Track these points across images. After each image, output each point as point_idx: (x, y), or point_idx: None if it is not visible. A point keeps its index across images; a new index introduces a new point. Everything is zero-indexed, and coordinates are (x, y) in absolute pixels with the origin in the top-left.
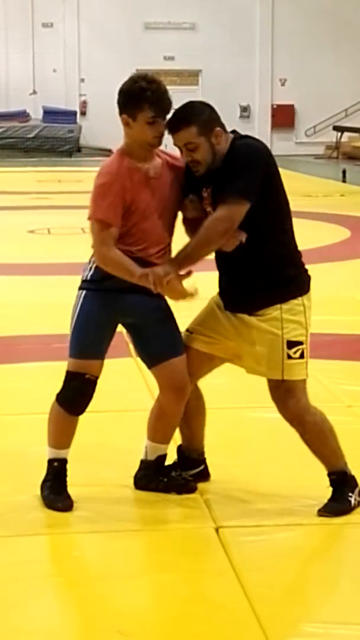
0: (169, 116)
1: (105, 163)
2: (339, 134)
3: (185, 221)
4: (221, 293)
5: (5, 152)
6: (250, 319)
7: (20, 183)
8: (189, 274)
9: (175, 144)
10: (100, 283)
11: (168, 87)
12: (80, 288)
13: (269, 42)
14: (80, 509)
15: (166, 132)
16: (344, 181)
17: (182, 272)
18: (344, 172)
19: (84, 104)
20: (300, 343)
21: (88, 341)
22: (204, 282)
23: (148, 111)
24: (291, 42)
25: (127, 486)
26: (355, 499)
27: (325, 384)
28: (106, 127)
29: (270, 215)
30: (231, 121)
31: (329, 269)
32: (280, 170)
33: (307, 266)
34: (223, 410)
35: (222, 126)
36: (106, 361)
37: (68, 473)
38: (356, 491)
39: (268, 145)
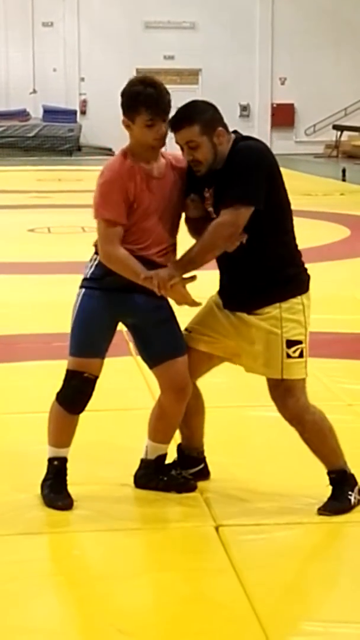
0: (170, 117)
1: (108, 162)
2: (339, 132)
3: (187, 220)
4: (221, 291)
5: (5, 151)
6: (250, 317)
7: (20, 182)
8: (192, 278)
9: (176, 142)
10: (101, 280)
11: (168, 86)
12: (81, 286)
13: (268, 41)
14: (80, 507)
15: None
16: (343, 180)
17: (186, 276)
18: (343, 171)
19: (84, 103)
20: (300, 342)
21: (87, 340)
22: (204, 281)
23: (144, 114)
24: (291, 41)
25: (127, 485)
26: (355, 498)
27: (325, 383)
28: (106, 126)
29: (272, 216)
30: (231, 120)
31: (329, 268)
32: (280, 169)
33: (306, 265)
34: (222, 409)
35: (225, 126)
36: (106, 360)
37: (68, 472)
38: (356, 490)
39: (268, 144)
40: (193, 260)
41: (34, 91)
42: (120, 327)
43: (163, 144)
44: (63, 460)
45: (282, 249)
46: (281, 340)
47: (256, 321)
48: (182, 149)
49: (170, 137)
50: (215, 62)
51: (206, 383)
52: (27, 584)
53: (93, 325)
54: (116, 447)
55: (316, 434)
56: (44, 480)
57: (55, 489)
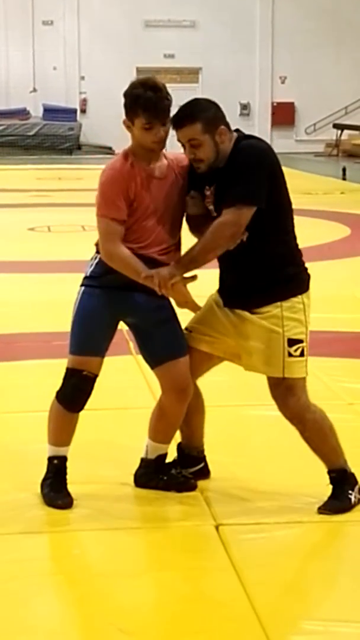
0: (171, 119)
1: (110, 162)
2: (339, 131)
3: (187, 218)
4: (221, 290)
5: (5, 150)
6: (251, 316)
7: (20, 181)
8: (193, 277)
9: (178, 140)
10: (101, 279)
11: (168, 85)
12: (82, 285)
13: (269, 40)
14: (80, 506)
15: (169, 133)
16: (344, 179)
17: (187, 275)
18: (344, 169)
19: (84, 102)
20: (301, 341)
21: (87, 338)
22: (204, 279)
23: (142, 117)
24: (291, 39)
25: (127, 484)
26: (355, 497)
27: (326, 382)
28: (106, 125)
29: (273, 215)
30: (231, 119)
31: (329, 267)
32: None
33: (307, 264)
34: (223, 407)
35: (227, 125)
36: (106, 359)
37: (68, 471)
38: (356, 489)
39: (268, 143)
40: (195, 260)
41: (34, 90)
42: (121, 325)
43: (162, 147)
44: (63, 459)
45: (283, 248)
46: (283, 338)
47: (257, 320)
48: (183, 146)
49: (171, 135)
50: (216, 60)
51: (206, 382)
52: (27, 583)
53: (93, 323)
54: (116, 446)
55: (317, 432)
56: (44, 479)
57: (55, 488)
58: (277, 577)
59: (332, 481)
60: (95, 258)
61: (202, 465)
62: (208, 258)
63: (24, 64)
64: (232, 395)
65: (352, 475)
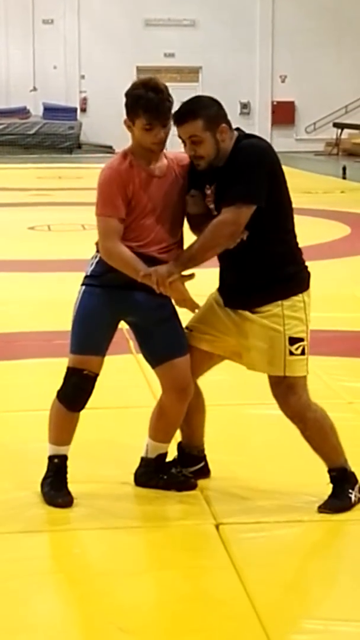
0: (172, 115)
1: (109, 161)
2: (339, 130)
3: (188, 217)
4: (221, 289)
5: (5, 149)
6: (251, 315)
7: (20, 179)
8: (191, 276)
9: (179, 136)
10: (101, 278)
11: (168, 84)
12: (82, 284)
13: (269, 39)
14: (80, 505)
15: (169, 134)
16: (344, 178)
17: (185, 274)
18: (344, 168)
19: (84, 101)
20: (302, 339)
21: (88, 337)
22: (203, 278)
23: (143, 118)
24: (291, 38)
25: (127, 483)
26: (355, 496)
27: (326, 381)
28: (106, 124)
29: (273, 214)
30: (231, 118)
31: (329, 266)
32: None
33: (307, 263)
34: (223, 407)
35: (229, 123)
36: (106, 358)
37: (68, 470)
38: (356, 488)
39: (269, 142)
40: (193, 258)
41: (34, 89)
42: (121, 324)
43: (162, 147)
44: (63, 458)
45: (283, 247)
46: (284, 337)
47: (258, 319)
48: (184, 143)
49: (172, 135)
50: (216, 59)
51: (207, 381)
52: (28, 581)
53: (93, 322)
54: (116, 445)
55: (317, 431)
56: (44, 478)
57: (56, 487)
58: (277, 576)
59: (332, 480)
60: (96, 257)
61: (202, 464)
62: (207, 256)
63: (24, 63)
64: (233, 394)
65: (353, 474)
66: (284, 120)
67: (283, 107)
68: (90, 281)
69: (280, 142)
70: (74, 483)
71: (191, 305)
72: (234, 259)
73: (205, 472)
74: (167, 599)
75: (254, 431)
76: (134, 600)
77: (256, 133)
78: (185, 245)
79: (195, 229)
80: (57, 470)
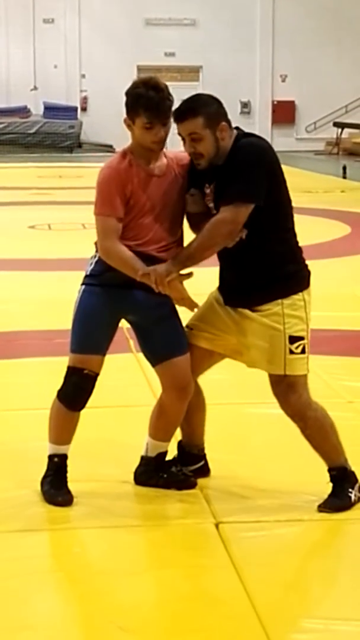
0: (172, 112)
1: (108, 160)
2: (340, 130)
3: (187, 215)
4: (221, 288)
5: (6, 148)
6: (252, 314)
7: (20, 179)
8: (189, 274)
9: (179, 134)
10: (101, 277)
11: (169, 83)
12: (82, 283)
13: (269, 38)
14: (80, 504)
15: (169, 134)
16: (344, 177)
17: (183, 273)
18: (344, 168)
19: (84, 100)
20: (302, 338)
21: (88, 336)
22: (203, 277)
23: (143, 117)
24: (292, 38)
25: (127, 482)
26: (355, 495)
27: (326, 380)
28: (107, 123)
29: (273, 213)
30: (232, 117)
31: (329, 265)
32: (282, 166)
33: (307, 262)
34: (223, 405)
35: (228, 122)
36: (107, 357)
37: (68, 468)
38: (356, 487)
39: (268, 141)
40: (192, 257)
41: (35, 88)
42: (121, 323)
43: (162, 147)
44: (63, 457)
45: (283, 246)
46: (284, 336)
47: (258, 317)
48: (184, 141)
49: (172, 134)
50: (216, 59)
51: (207, 380)
52: (28, 580)
53: (93, 321)
54: (116, 444)
55: (318, 430)
56: (45, 477)
57: (56, 485)
58: (277, 575)
59: (332, 479)
60: (95, 257)
61: (202, 463)
62: (205, 255)
63: (24, 62)
64: (233, 393)
65: (352, 474)
66: (285, 120)
67: (283, 107)
68: (90, 280)
69: (281, 141)
70: (74, 482)
71: (190, 304)
72: (234, 258)
73: (205, 471)
74: (167, 598)
75: (254, 430)
76: (134, 599)
77: (256, 132)
78: (185, 244)
79: (195, 227)
80: (57, 469)
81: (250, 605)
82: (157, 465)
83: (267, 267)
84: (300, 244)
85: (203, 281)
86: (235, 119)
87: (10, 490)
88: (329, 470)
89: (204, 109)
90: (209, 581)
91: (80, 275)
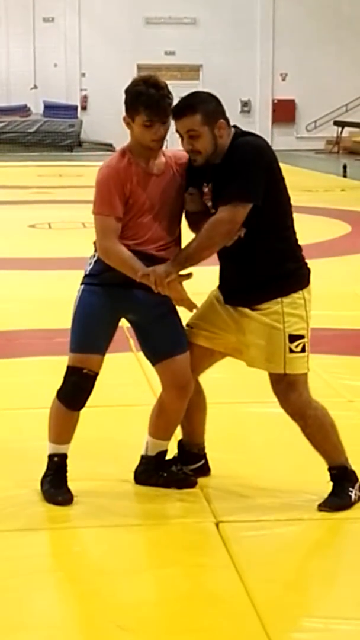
0: (170, 118)
1: (107, 159)
2: (340, 128)
3: (186, 214)
4: (222, 286)
5: (6, 147)
6: (251, 312)
7: (21, 177)
8: (188, 275)
9: (177, 131)
10: (100, 276)
11: (169, 82)
12: (82, 283)
13: (269, 37)
14: (80, 503)
15: (168, 134)
16: (344, 176)
17: (182, 273)
18: (344, 167)
19: (84, 99)
20: (302, 337)
21: (87, 336)
22: (203, 276)
23: (143, 115)
24: (292, 37)
25: (127, 481)
26: (355, 494)
27: (326, 379)
28: (107, 122)
29: (271, 212)
30: (232, 116)
31: (330, 264)
32: (281, 165)
33: (307, 261)
34: (224, 405)
35: (227, 120)
36: (107, 356)
37: (68, 468)
38: (356, 486)
39: (269, 140)
40: (191, 257)
41: (35, 87)
42: (121, 322)
43: (161, 145)
44: (63, 457)
45: (282, 244)
46: (284, 335)
47: (258, 316)
48: (181, 138)
49: (171, 133)
50: (216, 57)
51: (207, 379)
52: (28, 579)
53: (93, 321)
54: (116, 443)
55: (318, 429)
56: (45, 476)
57: (56, 485)
58: (278, 574)
59: (332, 478)
60: (94, 256)
61: (202, 462)
62: (204, 255)
63: (24, 61)
64: (233, 392)
65: (353, 473)
66: (285, 119)
67: (283, 105)
68: (89, 280)
69: (281, 140)
70: (74, 481)
71: (189, 304)
72: (234, 257)
73: (205, 470)
74: (167, 597)
75: (255, 429)
76: (134, 598)
77: (257, 131)
78: (183, 242)
79: (193, 226)
80: (57, 469)
81: (251, 604)
82: (157, 464)
83: (266, 266)
84: (300, 243)
85: (203, 280)
86: (236, 117)
87: (10, 490)
88: (330, 469)
89: (202, 106)
90: (209, 580)
91: (80, 274)
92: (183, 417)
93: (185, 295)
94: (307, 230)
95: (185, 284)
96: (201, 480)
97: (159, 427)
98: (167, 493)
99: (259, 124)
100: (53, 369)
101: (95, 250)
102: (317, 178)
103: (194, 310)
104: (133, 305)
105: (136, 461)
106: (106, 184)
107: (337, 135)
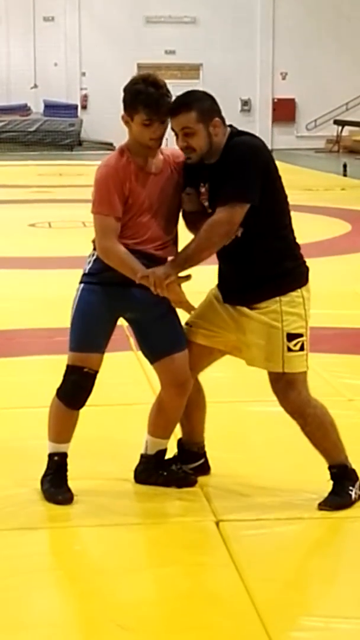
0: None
1: (105, 158)
2: (340, 127)
3: (184, 214)
4: (220, 285)
5: (6, 146)
6: (250, 311)
7: (21, 177)
8: (187, 277)
9: (172, 128)
10: (99, 275)
11: (169, 81)
12: (80, 282)
13: (269, 36)
14: (80, 502)
15: (167, 133)
16: (344, 175)
17: (181, 275)
18: (344, 166)
19: (85, 98)
20: (300, 335)
21: (87, 334)
22: (203, 275)
23: (142, 113)
24: (292, 35)
25: (127, 480)
26: (355, 493)
27: (326, 378)
28: (107, 121)
29: (269, 211)
30: (232, 115)
31: (330, 263)
32: (281, 164)
33: (307, 260)
34: (223, 403)
35: (222, 118)
36: (106, 355)
37: (68, 467)
38: (357, 485)
39: (269, 139)
40: (190, 258)
41: (35, 86)
42: (121, 322)
43: (160, 144)
44: (63, 456)
45: (280, 243)
46: (282, 333)
47: (256, 315)
48: (176, 135)
49: (170, 131)
50: (216, 56)
51: (207, 377)
52: (28, 578)
53: (92, 320)
54: (116, 442)
55: (318, 427)
56: (44, 475)
57: (56, 484)
58: (278, 573)
59: (332, 477)
60: (93, 255)
61: (202, 461)
62: (203, 256)
63: (25, 60)
64: (233, 391)
65: (353, 471)
66: (285, 118)
67: (284, 104)
68: (88, 279)
69: (281, 139)
70: (74, 480)
71: (187, 306)
72: (232, 256)
73: (205, 469)
74: (167, 596)
75: (255, 428)
76: (134, 597)
77: (257, 130)
78: (180, 241)
79: (191, 226)
80: (57, 468)
81: (251, 603)
82: (157, 463)
83: (264, 265)
84: (300, 242)
85: (203, 279)
86: (236, 116)
87: (10, 489)
88: (330, 468)
89: (198, 104)
90: (209, 579)
91: (80, 273)
92: (183, 416)
93: (184, 297)
94: (307, 229)
95: (184, 282)
96: (201, 479)
97: (159, 425)
98: (167, 492)
99: (259, 123)
100: (53, 368)
101: (94, 249)
102: (317, 177)
103: (192, 312)
104: (132, 304)
105: (136, 460)
106: (105, 183)
107: (337, 134)
